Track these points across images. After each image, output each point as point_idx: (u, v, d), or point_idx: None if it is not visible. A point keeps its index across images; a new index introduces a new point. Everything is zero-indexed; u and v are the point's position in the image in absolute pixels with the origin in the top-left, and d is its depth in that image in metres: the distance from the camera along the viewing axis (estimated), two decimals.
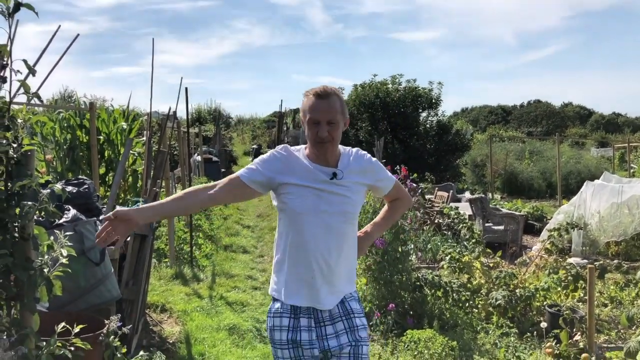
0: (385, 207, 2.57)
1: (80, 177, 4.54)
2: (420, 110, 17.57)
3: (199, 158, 14.67)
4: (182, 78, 6.74)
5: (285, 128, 22.13)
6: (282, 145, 2.32)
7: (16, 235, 2.43)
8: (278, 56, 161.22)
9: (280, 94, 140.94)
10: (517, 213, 9.46)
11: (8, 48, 2.45)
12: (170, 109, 6.22)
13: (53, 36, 2.84)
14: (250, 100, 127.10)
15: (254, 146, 26.32)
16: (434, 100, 17.45)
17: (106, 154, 8.35)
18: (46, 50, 2.70)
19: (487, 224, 8.97)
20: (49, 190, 2.55)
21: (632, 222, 8.13)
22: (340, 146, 2.28)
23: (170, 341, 4.45)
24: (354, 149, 2.33)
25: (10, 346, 2.25)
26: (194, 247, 7.14)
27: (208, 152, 17.50)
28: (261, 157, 2.26)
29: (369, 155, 2.34)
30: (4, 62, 2.44)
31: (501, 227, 8.87)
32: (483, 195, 10.31)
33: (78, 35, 3.79)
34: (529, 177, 18.89)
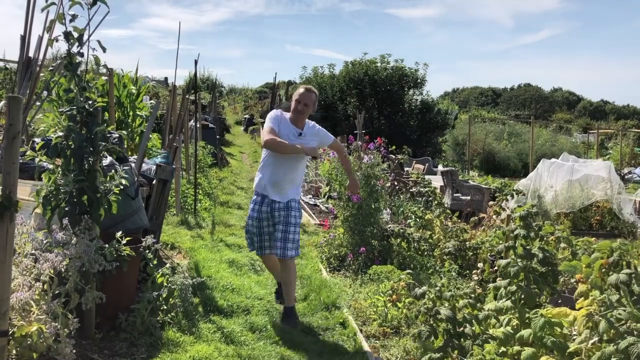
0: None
1: (110, 130, 5.47)
2: (406, 89, 18.56)
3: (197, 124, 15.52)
4: (198, 55, 7.56)
5: (278, 100, 22.96)
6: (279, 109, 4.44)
7: (88, 167, 3.41)
8: (272, 26, 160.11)
9: (273, 64, 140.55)
10: (483, 185, 10.57)
11: (86, 31, 3.42)
12: (190, 80, 7.06)
13: (91, 18, 3.76)
14: (243, 69, 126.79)
15: (246, 116, 27.41)
16: (419, 80, 18.45)
17: (117, 115, 9.24)
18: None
19: (455, 194, 10.06)
20: (117, 135, 3.50)
21: (581, 197, 9.27)
22: (307, 120, 4.37)
23: (181, 269, 5.46)
24: (312, 123, 4.42)
25: (92, 240, 3.25)
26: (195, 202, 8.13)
27: (204, 119, 18.32)
28: (269, 115, 4.29)
29: (318, 126, 4.45)
30: (84, 42, 3.39)
31: (468, 197, 9.97)
32: (453, 168, 11.39)
33: (108, 12, 4.68)
34: (505, 157, 20.04)
